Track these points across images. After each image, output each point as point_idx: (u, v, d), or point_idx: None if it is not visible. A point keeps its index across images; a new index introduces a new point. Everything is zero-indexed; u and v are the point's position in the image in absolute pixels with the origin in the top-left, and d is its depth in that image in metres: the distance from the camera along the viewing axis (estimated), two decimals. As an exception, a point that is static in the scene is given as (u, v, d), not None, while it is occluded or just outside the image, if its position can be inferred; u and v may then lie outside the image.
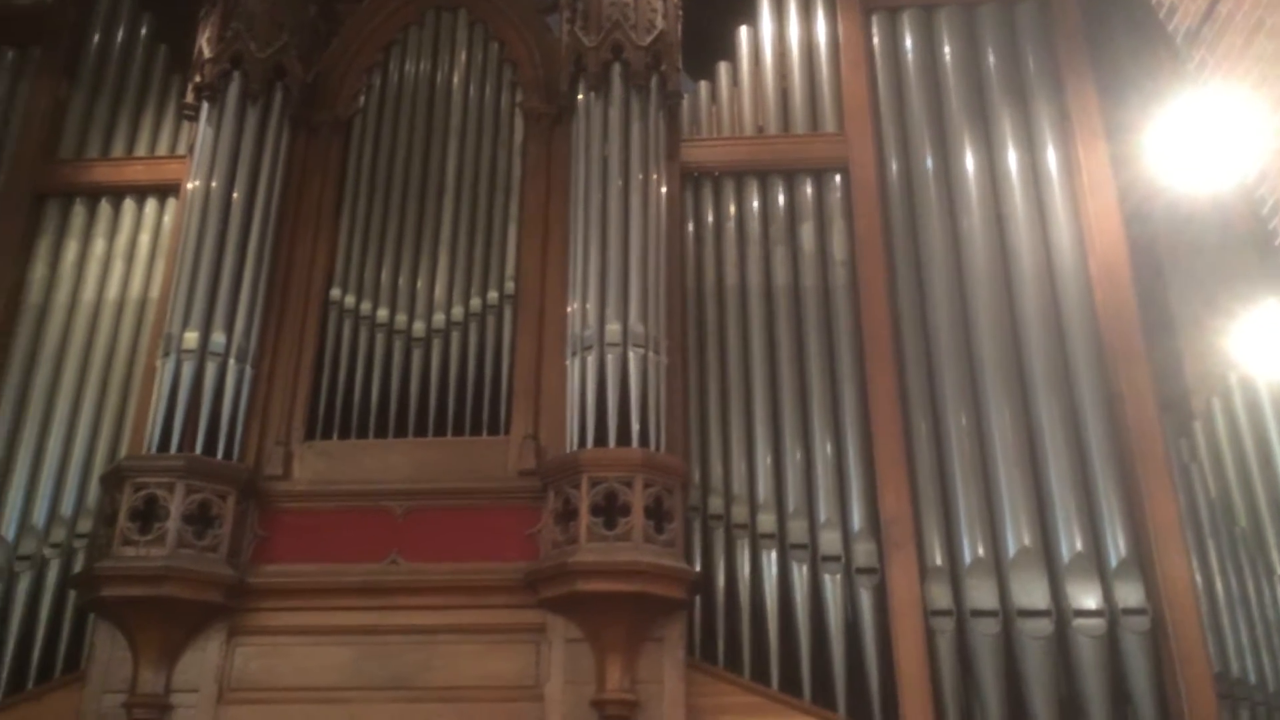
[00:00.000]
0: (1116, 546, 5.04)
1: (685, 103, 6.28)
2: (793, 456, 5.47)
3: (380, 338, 5.73)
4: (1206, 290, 5.93)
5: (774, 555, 5.27)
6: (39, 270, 6.21)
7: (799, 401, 5.60)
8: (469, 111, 6.30)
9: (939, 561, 5.16)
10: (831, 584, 5.16)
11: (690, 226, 6.09)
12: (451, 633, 5.08)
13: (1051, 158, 5.86)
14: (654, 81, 5.91)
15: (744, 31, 6.55)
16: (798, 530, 5.31)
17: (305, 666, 5.08)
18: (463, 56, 6.46)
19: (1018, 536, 5.10)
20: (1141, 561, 5.03)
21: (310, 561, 5.28)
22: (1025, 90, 6.05)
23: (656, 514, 5.03)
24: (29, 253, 6.24)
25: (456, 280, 5.86)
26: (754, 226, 6.05)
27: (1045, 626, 4.91)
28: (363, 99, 6.42)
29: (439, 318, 5.74)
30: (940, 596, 5.08)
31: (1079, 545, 5.04)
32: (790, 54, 6.44)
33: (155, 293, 6.06)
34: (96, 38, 6.80)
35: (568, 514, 5.06)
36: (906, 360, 5.59)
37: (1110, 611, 4.92)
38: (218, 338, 5.47)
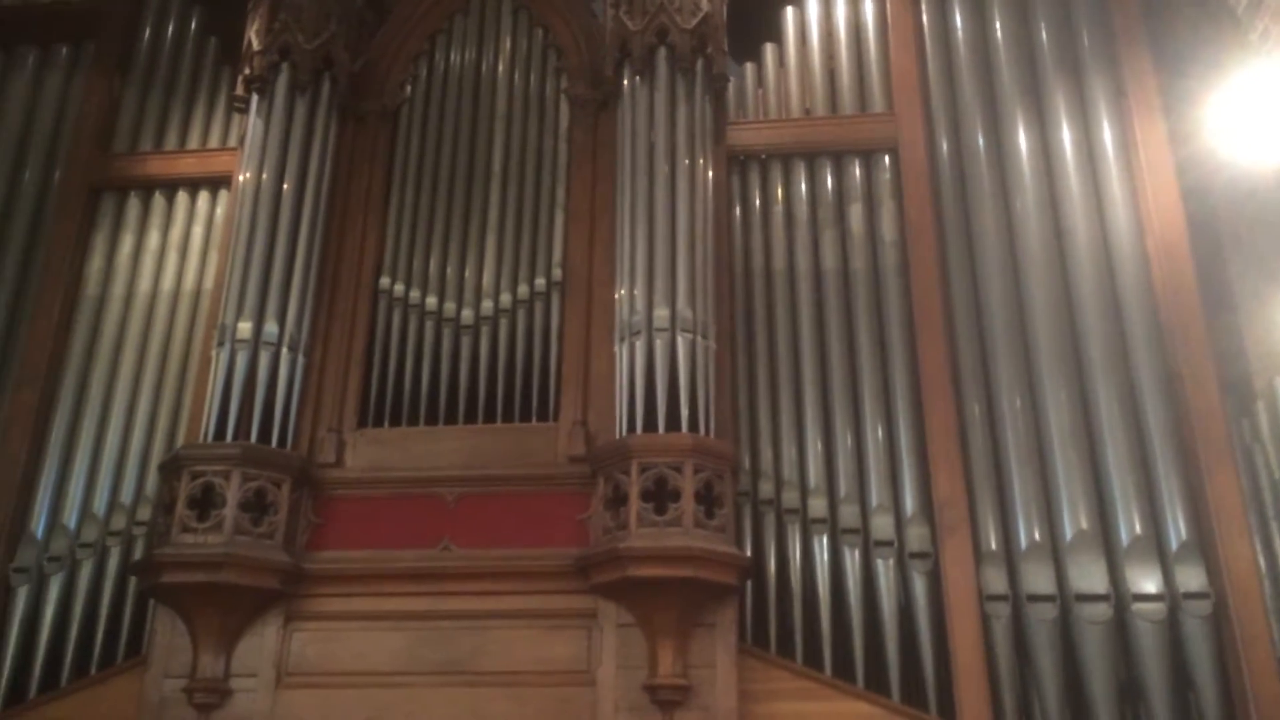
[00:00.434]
0: (1177, 529, 4.94)
1: (731, 86, 6.22)
2: (843, 441, 5.43)
3: (429, 325, 5.76)
4: (1268, 267, 5.77)
5: (825, 540, 5.24)
6: (96, 263, 6.31)
7: (849, 385, 5.55)
8: (515, 99, 6.30)
9: (994, 546, 5.09)
10: (884, 569, 5.13)
11: (737, 210, 6.06)
12: (504, 618, 5.11)
13: (1107, 134, 5.73)
14: (699, 65, 5.86)
15: (790, 12, 6.48)
16: (849, 515, 5.27)
17: (361, 651, 5.13)
18: (508, 44, 6.46)
19: (1075, 520, 5.02)
20: (1203, 544, 4.93)
21: (364, 548, 5.33)
22: (1079, 65, 5.93)
23: (707, 499, 5.01)
24: (86, 246, 6.35)
25: (504, 267, 5.87)
26: (802, 209, 6.00)
27: (1104, 611, 4.84)
28: (409, 88, 6.44)
29: (487, 305, 5.76)
30: (996, 581, 5.02)
31: (1138, 528, 4.95)
32: (837, 34, 6.37)
33: (209, 284, 6.13)
34: (148, 32, 6.88)
35: (618, 500, 5.06)
36: (959, 342, 5.52)
37: (1171, 595, 4.84)
38: (270, 327, 5.53)
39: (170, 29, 6.93)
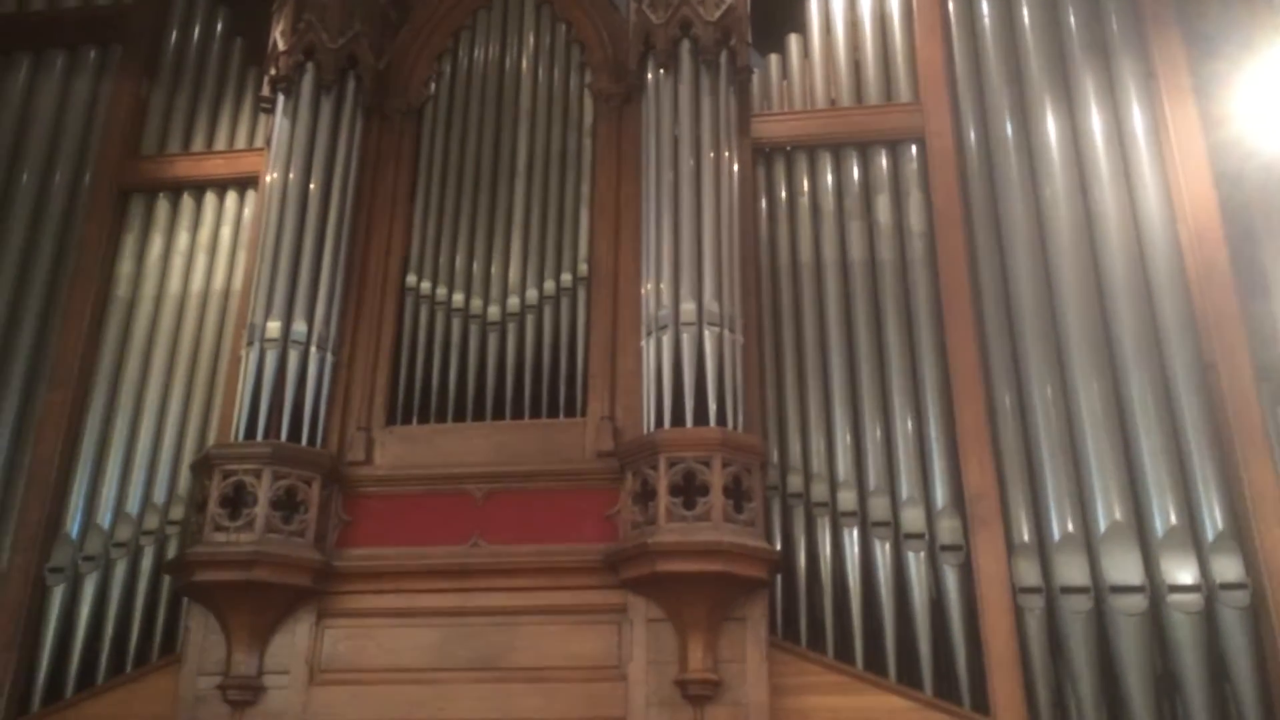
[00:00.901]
0: (1213, 519, 4.87)
1: (755, 77, 6.20)
2: (872, 433, 5.40)
3: (456, 322, 5.77)
4: (1305, 253, 5.70)
5: (855, 533, 5.21)
6: (126, 265, 6.37)
7: (877, 377, 5.52)
8: (538, 94, 6.29)
9: (1026, 538, 5.05)
10: (915, 562, 5.09)
11: (763, 203, 6.03)
12: (534, 614, 5.11)
13: (1137, 119, 5.66)
14: (723, 57, 5.83)
15: (814, 2, 6.44)
16: (879, 508, 5.24)
17: (393, 648, 5.15)
18: (531, 40, 6.45)
19: (1108, 510, 4.96)
20: (1239, 534, 4.86)
21: (394, 545, 5.35)
22: (1108, 48, 5.85)
23: (735, 493, 4.99)
24: (116, 248, 6.40)
25: (530, 263, 5.87)
26: (828, 201, 5.97)
27: (1139, 603, 4.78)
28: (434, 86, 6.45)
29: (513, 301, 5.76)
30: (1028, 573, 4.97)
31: (1173, 518, 4.89)
32: (862, 23, 6.32)
33: (238, 284, 6.17)
34: (174, 35, 6.92)
35: (646, 495, 5.05)
36: (988, 332, 5.47)
37: (1207, 586, 4.77)
38: (299, 326, 5.56)
39: (196, 31, 6.97)
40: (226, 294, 6.23)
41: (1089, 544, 4.97)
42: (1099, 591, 4.87)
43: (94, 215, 6.42)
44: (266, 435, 5.34)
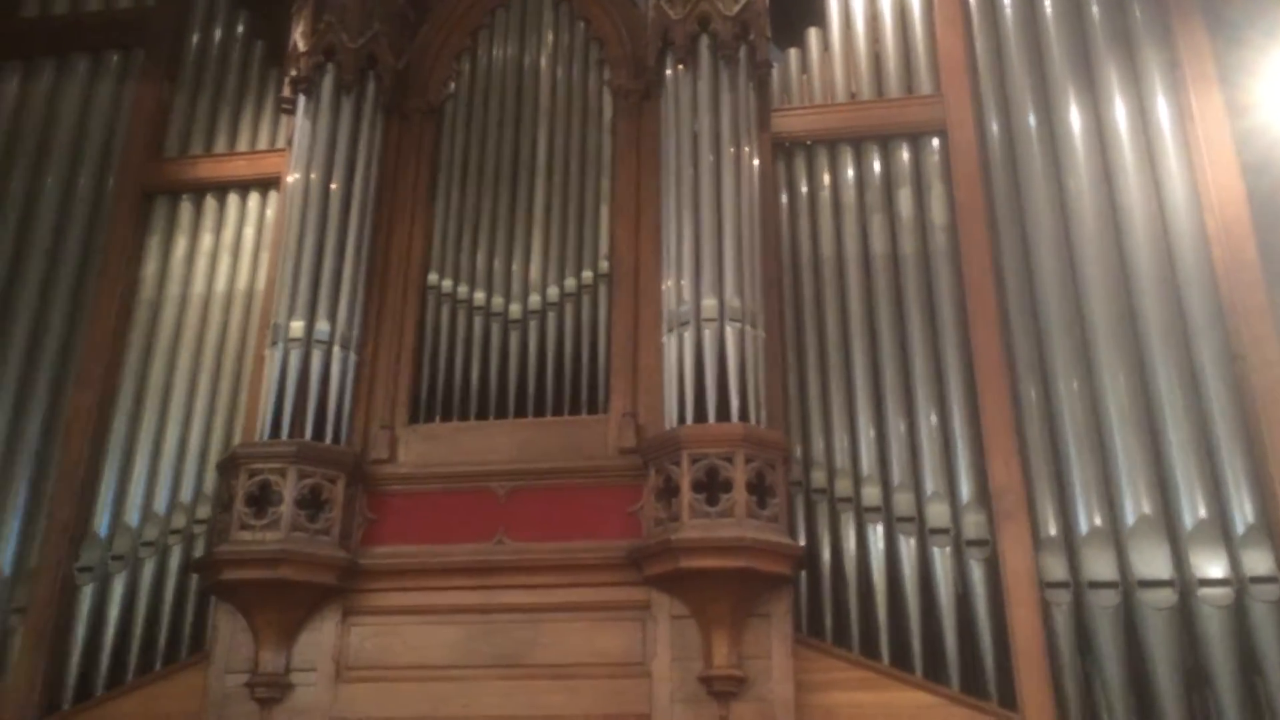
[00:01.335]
0: (1243, 512, 4.82)
1: (775, 72, 6.17)
2: (896, 428, 5.37)
3: (478, 320, 5.78)
4: (1334, 242, 5.62)
5: (880, 529, 5.19)
6: (150, 267, 6.41)
7: (901, 371, 5.49)
8: (558, 92, 6.30)
9: (1053, 532, 5.01)
10: (941, 557, 5.07)
11: (784, 198, 6.01)
12: (558, 611, 5.12)
13: (1162, 108, 5.60)
14: (743, 52, 5.81)
15: (833, -5, 6.41)
16: (904, 503, 5.21)
17: (418, 645, 5.18)
18: (549, 37, 6.46)
19: (1136, 504, 4.92)
20: (1270, 528, 4.80)
21: (418, 543, 5.37)
22: (1132, 37, 5.79)
23: (759, 489, 4.98)
24: (140, 250, 6.45)
25: (551, 261, 5.88)
26: (849, 195, 5.94)
27: (1168, 597, 4.74)
28: (453, 85, 6.46)
29: (535, 299, 5.77)
30: (1055, 568, 4.94)
31: (1202, 512, 4.84)
32: (882, 16, 6.28)
33: (261, 284, 6.21)
34: (196, 37, 6.96)
35: (669, 491, 5.04)
36: (1012, 326, 5.43)
37: (1237, 580, 4.72)
38: (322, 326, 5.59)
39: (217, 34, 7.00)
40: (250, 294, 6.27)
41: (1117, 538, 4.93)
42: (1127, 586, 4.82)
43: (118, 217, 6.47)
44: (291, 434, 5.37)
